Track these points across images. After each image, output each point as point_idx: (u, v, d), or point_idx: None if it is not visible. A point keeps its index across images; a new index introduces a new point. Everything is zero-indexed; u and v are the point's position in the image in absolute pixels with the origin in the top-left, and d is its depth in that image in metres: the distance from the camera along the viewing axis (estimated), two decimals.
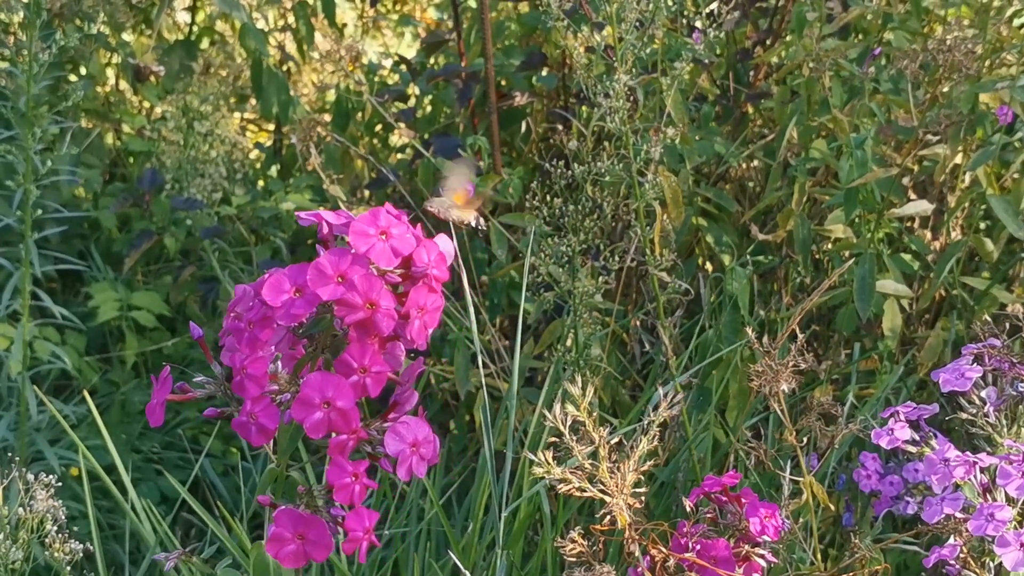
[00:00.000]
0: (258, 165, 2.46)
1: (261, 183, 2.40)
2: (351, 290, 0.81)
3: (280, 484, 0.89)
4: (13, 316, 2.00)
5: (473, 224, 1.59)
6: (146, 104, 2.47)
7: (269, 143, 2.55)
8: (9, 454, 1.73)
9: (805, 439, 1.09)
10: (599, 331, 1.62)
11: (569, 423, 0.98)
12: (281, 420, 0.85)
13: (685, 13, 1.70)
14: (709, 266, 1.92)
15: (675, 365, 1.57)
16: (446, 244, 0.85)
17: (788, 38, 1.92)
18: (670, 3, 1.53)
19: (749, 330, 1.07)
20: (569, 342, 1.61)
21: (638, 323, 1.82)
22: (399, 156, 2.42)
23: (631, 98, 1.46)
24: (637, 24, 1.47)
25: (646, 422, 1.01)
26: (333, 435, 0.85)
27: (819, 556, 1.12)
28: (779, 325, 1.67)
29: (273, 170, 2.45)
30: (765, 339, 1.07)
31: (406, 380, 0.89)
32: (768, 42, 1.95)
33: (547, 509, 1.34)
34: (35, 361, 1.91)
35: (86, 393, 1.47)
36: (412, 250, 0.83)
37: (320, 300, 0.82)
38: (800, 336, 1.06)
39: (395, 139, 2.49)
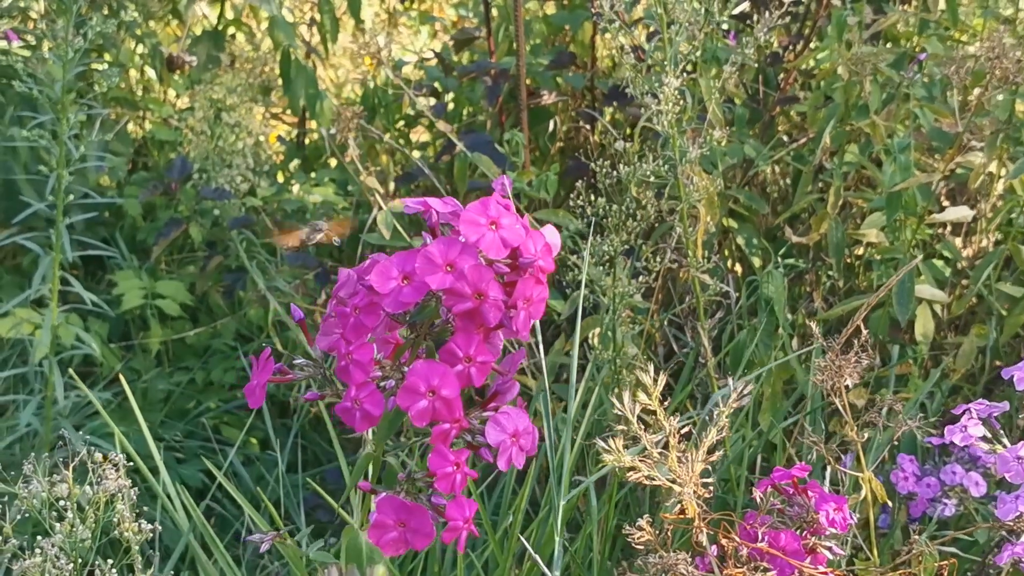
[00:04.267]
0: (280, 158, 2.46)
1: (281, 176, 2.40)
2: (460, 279, 0.81)
3: (376, 470, 0.89)
4: (36, 303, 1.99)
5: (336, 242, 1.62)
6: (171, 94, 2.47)
7: (289, 137, 2.55)
8: (66, 435, 1.73)
9: (866, 435, 1.10)
10: (633, 330, 1.63)
11: (637, 411, 0.99)
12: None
13: (719, 19, 1.72)
14: (738, 268, 1.93)
15: (712, 366, 1.58)
16: (553, 235, 0.85)
17: (815, 44, 1.94)
18: (710, 7, 1.54)
19: (814, 325, 1.08)
20: (596, 339, 1.62)
21: (665, 323, 1.83)
22: (419, 153, 2.42)
23: (680, 101, 1.48)
24: (688, 25, 1.48)
25: (715, 412, 1.02)
26: (435, 423, 0.84)
27: (875, 551, 1.14)
28: (811, 329, 1.68)
29: (294, 163, 2.45)
30: (815, 337, 1.08)
31: (507, 370, 0.88)
32: (799, 47, 1.96)
33: (594, 501, 1.35)
34: (59, 347, 1.90)
35: (121, 376, 1.47)
36: (521, 241, 0.82)
37: (428, 288, 0.81)
38: (864, 333, 1.08)
39: (415, 136, 2.50)
